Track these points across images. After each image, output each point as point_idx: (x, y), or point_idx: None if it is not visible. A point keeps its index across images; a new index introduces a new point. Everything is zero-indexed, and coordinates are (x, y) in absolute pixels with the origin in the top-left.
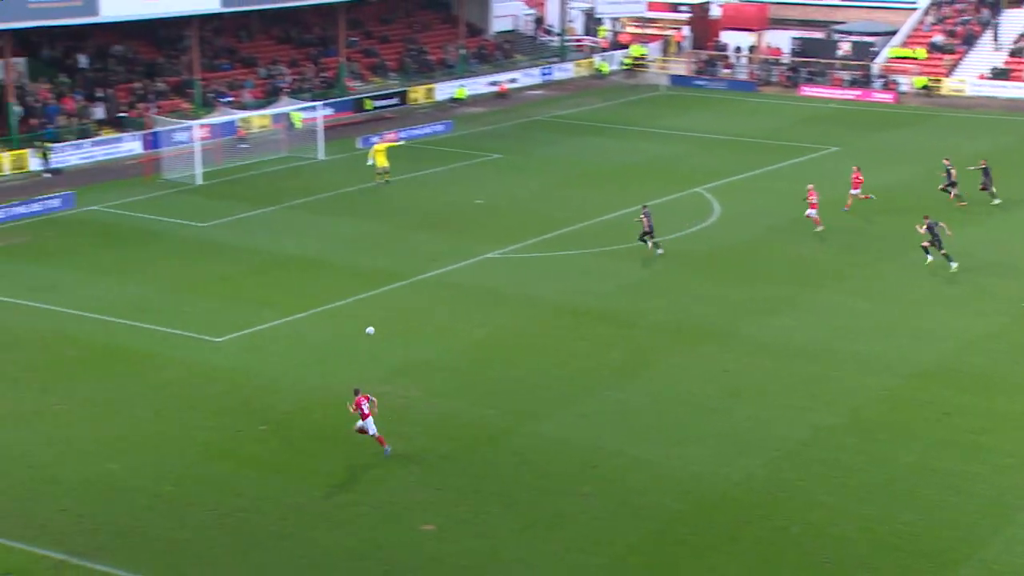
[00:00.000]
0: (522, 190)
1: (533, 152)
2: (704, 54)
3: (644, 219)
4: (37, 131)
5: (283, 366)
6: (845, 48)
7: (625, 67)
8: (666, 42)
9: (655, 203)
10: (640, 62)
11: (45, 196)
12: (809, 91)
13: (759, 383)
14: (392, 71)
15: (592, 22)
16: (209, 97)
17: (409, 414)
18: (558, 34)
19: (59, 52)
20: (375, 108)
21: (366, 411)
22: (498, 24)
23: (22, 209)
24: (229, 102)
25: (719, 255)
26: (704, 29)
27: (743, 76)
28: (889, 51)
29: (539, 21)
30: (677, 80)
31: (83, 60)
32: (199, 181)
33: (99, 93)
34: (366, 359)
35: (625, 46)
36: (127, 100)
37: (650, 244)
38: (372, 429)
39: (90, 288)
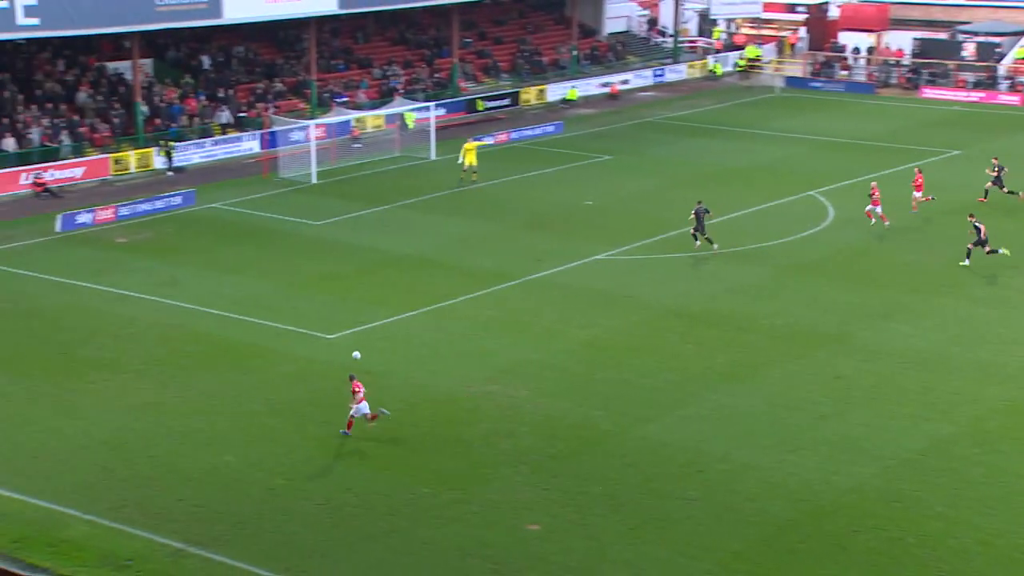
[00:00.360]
0: (632, 191)
1: (644, 153)
2: (821, 55)
3: (694, 216)
4: (161, 130)
5: (393, 363)
6: (970, 49)
7: (739, 69)
8: (781, 43)
9: (768, 206)
10: (755, 64)
11: (168, 194)
12: (930, 93)
13: (873, 390)
14: (504, 72)
15: (706, 23)
16: (325, 97)
17: (516, 413)
18: (671, 35)
19: (184, 54)
20: (487, 109)
21: (361, 396)
22: (611, 25)
23: (146, 206)
24: (344, 102)
25: (832, 259)
26: (821, 30)
27: (861, 78)
28: (1017, 52)
29: (652, 22)
30: (792, 82)
31: (206, 61)
32: (314, 180)
33: (220, 94)
34: (474, 358)
35: (740, 47)
36: (247, 100)
37: (697, 242)
38: (365, 409)
39: (209, 284)
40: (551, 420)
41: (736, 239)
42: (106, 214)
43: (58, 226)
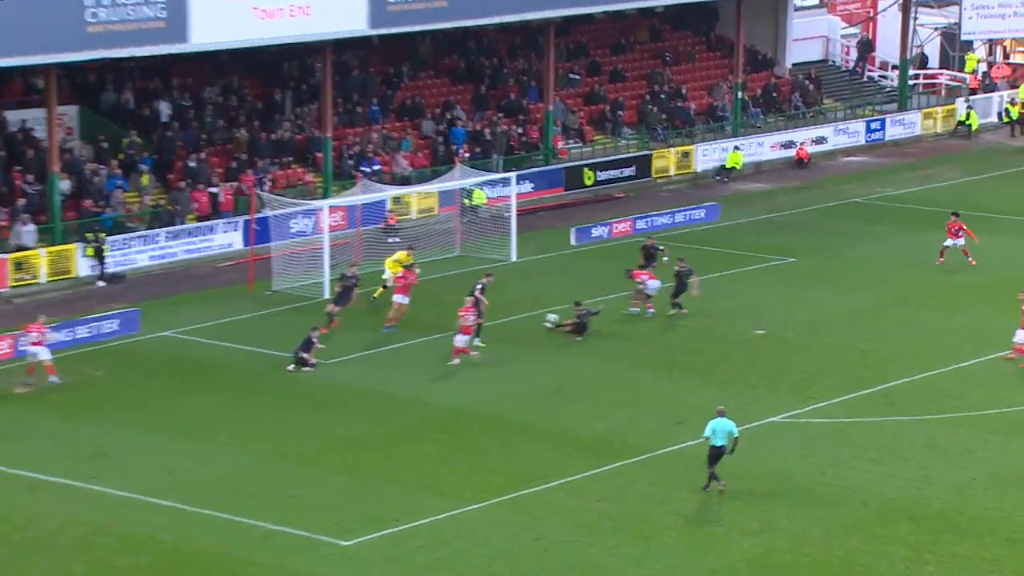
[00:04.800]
0: (829, 314)
1: (847, 253)
2: None
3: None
4: (90, 217)
5: None
6: None
7: (1008, 120)
8: None
9: None
10: None
11: (97, 316)
12: None
13: None
14: (627, 126)
15: (954, 47)
16: (347, 164)
17: None
18: (896, 67)
19: (127, 97)
20: (598, 183)
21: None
22: (798, 52)
23: (62, 335)
24: (375, 172)
25: None
26: None
27: None
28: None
29: (865, 47)
30: None
31: (164, 109)
32: (326, 293)
33: (184, 159)
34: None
35: (1015, 85)
36: (223, 168)
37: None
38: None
39: (155, 457)
40: None
41: (998, 395)
42: None
43: None
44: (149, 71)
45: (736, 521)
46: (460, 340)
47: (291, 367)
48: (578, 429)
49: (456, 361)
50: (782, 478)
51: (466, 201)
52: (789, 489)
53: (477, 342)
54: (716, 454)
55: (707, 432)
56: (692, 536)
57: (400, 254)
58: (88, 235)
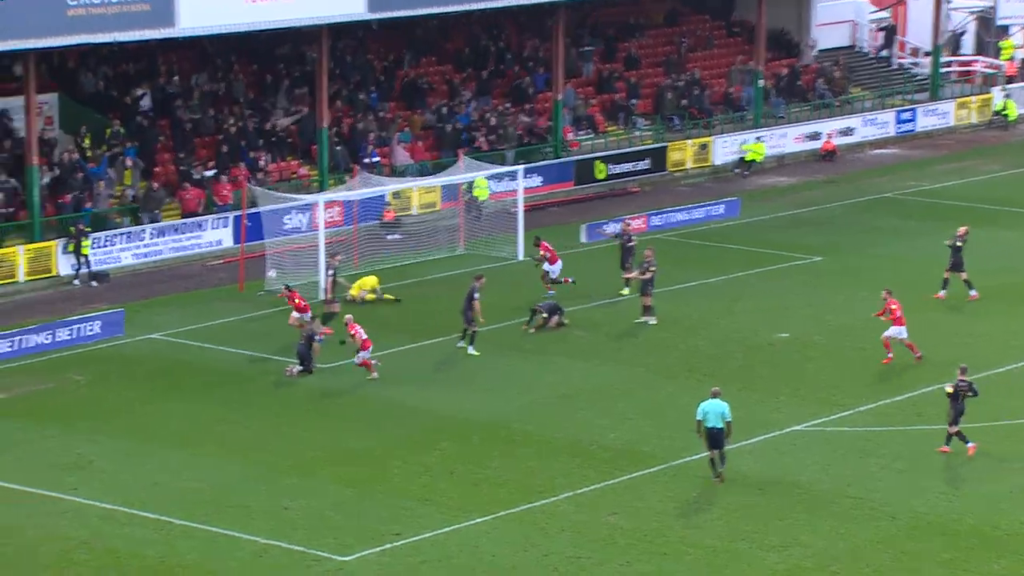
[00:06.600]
0: (854, 315)
1: (875, 251)
2: None
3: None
4: (70, 212)
5: None
6: None
7: None
8: None
9: None
10: None
11: (78, 317)
12: None
13: None
14: (641, 115)
15: (989, 31)
16: (340, 154)
17: None
18: (928, 53)
19: (109, 84)
20: (611, 177)
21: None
22: (824, 37)
23: (40, 338)
24: (373, 164)
25: None
26: None
27: None
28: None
29: (892, 32)
30: None
31: (145, 99)
32: (321, 294)
33: (175, 151)
34: None
35: None
36: (211, 160)
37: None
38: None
39: (139, 467)
40: None
41: None
42: None
43: None
44: (133, 56)
45: (758, 536)
46: (363, 356)
47: (296, 369)
48: (589, 439)
49: (374, 375)
50: (806, 490)
51: (466, 197)
52: (813, 502)
53: (471, 351)
54: (715, 436)
55: (699, 415)
56: (711, 553)
57: (370, 280)
58: (71, 229)
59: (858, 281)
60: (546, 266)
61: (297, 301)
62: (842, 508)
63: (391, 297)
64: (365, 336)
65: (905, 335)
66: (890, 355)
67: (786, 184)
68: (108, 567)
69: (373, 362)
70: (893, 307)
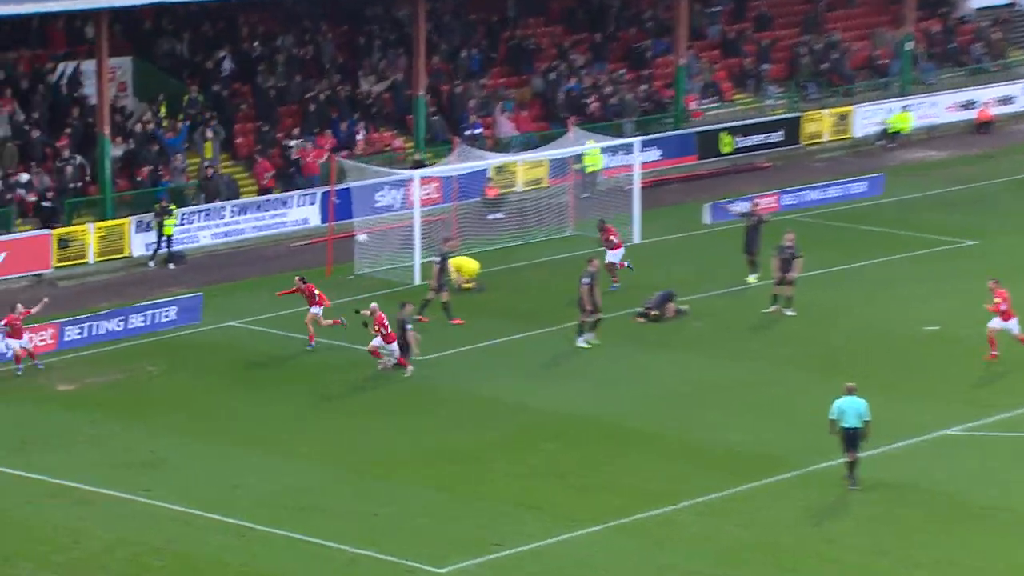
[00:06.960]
0: (1015, 306)
1: None
2: None
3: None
4: (147, 187)
5: None
6: None
7: None
8: None
9: None
10: None
11: (154, 302)
12: None
13: None
14: (773, 82)
15: None
16: (438, 124)
17: None
18: None
19: (187, 48)
20: (738, 151)
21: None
22: None
23: (111, 325)
24: (476, 136)
25: None
26: None
27: None
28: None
29: None
30: None
31: (225, 63)
32: (417, 279)
33: (256, 122)
34: None
35: None
36: (298, 131)
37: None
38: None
39: (216, 467)
40: None
41: None
42: (41, 339)
43: None
44: (212, 17)
45: (903, 552)
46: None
47: (391, 362)
48: (711, 440)
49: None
50: (957, 501)
51: (576, 166)
52: (965, 514)
53: (580, 342)
54: (851, 437)
55: (833, 414)
56: (847, 570)
57: (470, 265)
58: (156, 206)
59: (1018, 269)
60: (609, 254)
61: (319, 295)
62: (999, 522)
63: (470, 286)
64: (391, 330)
65: (1017, 330)
66: (994, 352)
67: (936, 159)
68: (182, 572)
69: (385, 354)
70: (997, 299)
